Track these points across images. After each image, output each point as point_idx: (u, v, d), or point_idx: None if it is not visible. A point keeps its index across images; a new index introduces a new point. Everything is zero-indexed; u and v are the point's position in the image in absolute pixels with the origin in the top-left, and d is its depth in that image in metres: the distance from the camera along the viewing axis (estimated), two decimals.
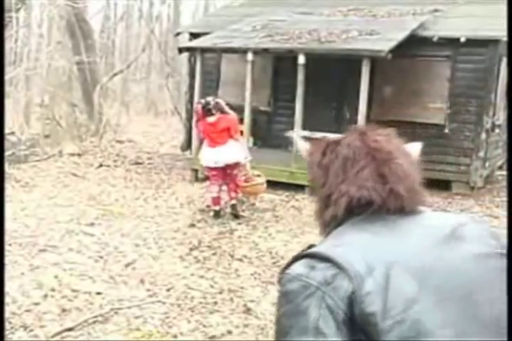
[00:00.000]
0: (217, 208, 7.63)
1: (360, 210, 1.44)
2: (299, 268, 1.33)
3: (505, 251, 1.39)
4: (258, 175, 8.04)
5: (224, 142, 7.47)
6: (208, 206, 7.90)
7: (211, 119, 7.49)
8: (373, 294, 1.25)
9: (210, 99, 7.74)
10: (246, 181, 7.85)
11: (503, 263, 1.36)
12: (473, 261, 1.36)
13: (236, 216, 7.62)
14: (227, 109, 7.65)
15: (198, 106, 7.81)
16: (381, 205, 1.43)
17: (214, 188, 7.66)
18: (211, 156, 7.59)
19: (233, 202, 7.69)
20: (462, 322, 1.26)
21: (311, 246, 1.42)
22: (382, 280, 1.26)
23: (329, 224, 1.49)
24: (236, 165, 7.60)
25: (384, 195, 1.44)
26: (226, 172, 7.63)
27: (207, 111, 7.51)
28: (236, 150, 7.51)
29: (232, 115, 7.67)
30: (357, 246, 1.35)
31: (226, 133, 7.46)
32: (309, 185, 1.67)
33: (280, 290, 1.36)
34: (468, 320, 1.26)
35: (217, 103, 7.58)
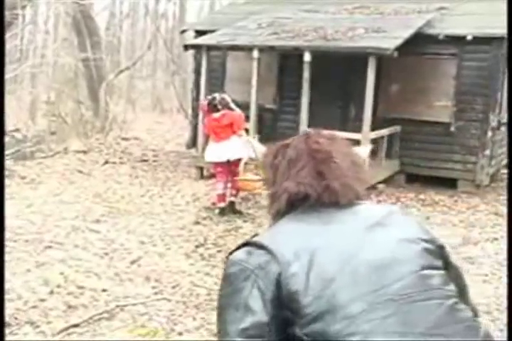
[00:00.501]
0: (222, 205, 7.65)
1: (300, 204, 1.65)
2: (240, 254, 1.56)
3: (425, 236, 1.61)
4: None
5: (227, 137, 7.54)
6: (213, 203, 7.91)
7: (216, 115, 7.58)
8: (297, 276, 1.47)
9: (216, 94, 7.86)
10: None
11: (423, 246, 1.57)
12: (395, 244, 1.56)
13: (235, 212, 7.65)
14: (232, 105, 7.73)
15: (204, 102, 7.90)
16: (317, 199, 1.64)
17: (220, 185, 7.70)
18: (214, 151, 7.67)
19: (232, 198, 7.74)
20: (372, 296, 1.45)
21: (254, 236, 1.66)
22: (306, 264, 1.48)
23: (275, 218, 1.71)
24: (238, 160, 7.60)
25: (319, 190, 1.64)
26: (231, 169, 7.66)
27: (213, 106, 7.63)
28: (239, 147, 7.53)
29: (238, 112, 7.73)
30: (290, 235, 1.58)
31: (230, 128, 7.54)
32: (264, 184, 1.85)
33: (224, 273, 1.59)
34: (377, 294, 1.46)
35: (222, 99, 7.68)
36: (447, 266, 1.63)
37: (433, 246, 1.61)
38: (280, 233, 1.61)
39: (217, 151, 7.63)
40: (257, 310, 1.48)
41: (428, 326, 1.45)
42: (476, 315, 1.61)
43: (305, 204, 1.65)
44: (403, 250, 1.56)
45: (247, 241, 1.60)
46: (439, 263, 1.59)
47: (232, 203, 7.75)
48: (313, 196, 1.64)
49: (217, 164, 7.76)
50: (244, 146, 7.50)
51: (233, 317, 1.50)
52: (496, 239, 6.82)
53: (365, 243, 1.55)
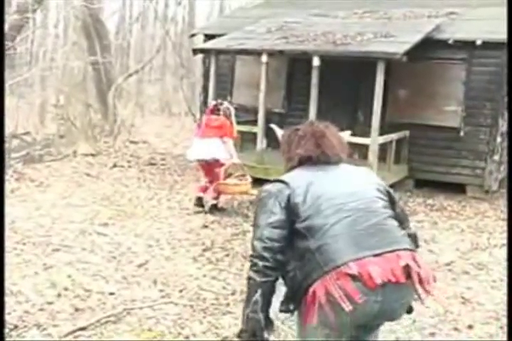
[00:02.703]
0: (199, 195, 7.97)
1: (305, 162, 2.87)
2: (268, 186, 2.81)
3: (379, 182, 2.89)
4: (242, 176, 8.06)
5: (210, 137, 7.80)
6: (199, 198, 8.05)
7: (213, 117, 7.93)
8: (299, 195, 2.68)
9: (225, 102, 8.29)
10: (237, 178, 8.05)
11: (376, 187, 2.83)
12: (359, 184, 2.83)
13: (219, 210, 7.95)
14: (233, 118, 8.06)
15: (212, 103, 8.38)
16: (316, 160, 2.86)
17: (204, 179, 8.13)
18: (192, 150, 8.04)
19: (214, 202, 7.99)
20: (339, 207, 2.66)
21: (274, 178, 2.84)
22: (304, 189, 2.69)
23: (288, 170, 2.92)
24: (216, 163, 7.83)
25: (318, 154, 2.86)
26: (210, 169, 7.94)
27: (216, 110, 7.99)
28: (218, 148, 7.80)
29: (234, 124, 8.07)
30: (297, 176, 2.80)
31: (217, 130, 7.80)
32: (282, 153, 3.03)
33: (258, 198, 2.82)
34: (343, 206, 2.66)
35: (227, 108, 8.04)
36: (392, 202, 2.87)
37: (383, 188, 2.88)
38: (292, 175, 2.83)
39: (194, 150, 7.98)
40: (278, 213, 2.68)
41: (366, 225, 2.64)
42: (415, 241, 2.89)
43: (308, 162, 2.87)
44: (364, 187, 2.81)
45: (273, 179, 2.84)
46: (385, 198, 2.83)
47: (214, 205, 8.00)
48: (314, 158, 2.86)
49: (198, 161, 8.07)
50: (223, 150, 7.82)
51: (264, 218, 2.70)
52: (504, 244, 6.79)
53: (340, 182, 2.81)
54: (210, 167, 7.95)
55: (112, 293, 4.90)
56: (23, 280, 5.08)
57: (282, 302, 2.76)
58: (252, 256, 2.69)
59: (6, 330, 4.07)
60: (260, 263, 2.62)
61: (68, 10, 15.64)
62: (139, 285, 5.15)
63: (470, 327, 4.60)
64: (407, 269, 2.56)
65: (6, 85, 10.11)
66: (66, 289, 4.90)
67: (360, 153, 9.46)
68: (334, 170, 2.84)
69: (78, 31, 15.88)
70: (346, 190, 2.73)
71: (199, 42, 12.32)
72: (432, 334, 4.45)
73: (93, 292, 4.90)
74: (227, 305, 4.79)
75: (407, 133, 9.97)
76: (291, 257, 2.65)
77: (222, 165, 7.83)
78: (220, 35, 10.64)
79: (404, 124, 10.00)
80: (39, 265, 5.49)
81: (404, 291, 2.60)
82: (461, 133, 9.81)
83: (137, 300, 4.79)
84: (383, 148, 9.31)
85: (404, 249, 2.63)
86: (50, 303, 4.62)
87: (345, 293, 2.47)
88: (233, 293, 5.04)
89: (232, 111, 8.08)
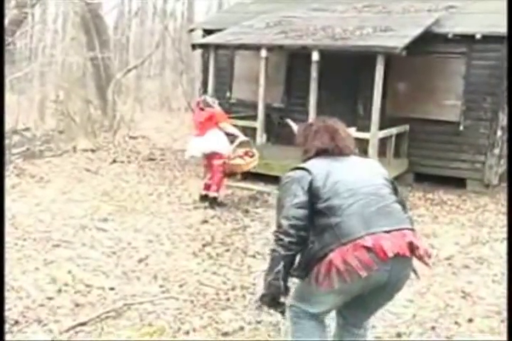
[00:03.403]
0: (203, 193, 8.07)
1: (321, 154, 3.30)
2: (289, 173, 3.22)
3: (385, 173, 3.34)
4: (246, 153, 8.22)
5: (204, 133, 7.93)
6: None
7: (201, 113, 8.06)
8: (320, 180, 3.09)
9: (203, 96, 8.54)
10: (240, 156, 8.20)
11: (383, 176, 3.28)
12: (369, 173, 3.27)
13: (219, 205, 7.95)
14: (216, 105, 8.16)
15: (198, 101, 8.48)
16: (331, 152, 3.30)
17: (208, 175, 8.23)
18: (191, 147, 8.20)
19: (215, 194, 7.99)
20: (353, 191, 3.09)
21: (295, 166, 3.26)
22: (324, 176, 3.11)
23: (305, 161, 3.32)
24: (215, 155, 7.92)
25: (332, 147, 3.30)
26: (209, 163, 8.07)
27: (200, 106, 8.14)
28: (217, 140, 7.92)
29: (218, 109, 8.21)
30: (316, 165, 3.21)
31: (208, 122, 7.90)
32: (298, 144, 3.48)
33: (281, 183, 3.22)
34: (356, 190, 3.09)
35: (204, 100, 8.15)
36: (395, 190, 3.30)
37: (387, 177, 3.33)
38: (311, 164, 3.24)
39: (193, 146, 8.14)
40: (301, 195, 3.09)
41: (377, 207, 3.08)
42: (412, 224, 3.23)
43: (324, 154, 3.30)
44: (373, 176, 3.26)
45: (295, 166, 3.26)
46: (389, 186, 3.27)
47: (214, 199, 7.99)
48: (329, 150, 3.30)
49: (202, 156, 8.20)
50: (223, 141, 7.97)
51: (289, 200, 3.10)
52: (505, 238, 6.78)
53: (353, 171, 3.24)
54: (209, 161, 8.04)
55: (112, 288, 4.90)
56: (24, 275, 5.08)
57: (295, 269, 3.16)
58: (277, 232, 3.09)
59: (7, 326, 4.08)
60: (286, 239, 3.04)
61: (67, 5, 15.61)
62: (139, 281, 5.15)
63: (470, 320, 4.61)
64: (410, 245, 3.01)
65: (6, 81, 10.09)
66: (66, 284, 4.91)
67: (360, 147, 9.41)
68: (347, 161, 3.28)
69: (77, 26, 15.86)
70: (358, 177, 3.17)
71: (198, 38, 12.28)
72: (433, 328, 4.46)
73: (93, 287, 4.90)
74: (228, 300, 4.79)
75: (406, 127, 9.96)
76: (311, 232, 3.08)
77: (221, 157, 7.90)
78: (219, 30, 10.62)
79: (404, 118, 9.99)
80: (39, 260, 5.50)
81: (407, 263, 3.07)
82: (461, 127, 9.80)
83: (137, 295, 4.79)
84: (383, 142, 9.30)
85: (408, 229, 3.10)
86: (50, 299, 4.62)
87: (361, 262, 2.91)
88: (233, 288, 5.04)
89: (214, 101, 8.15)
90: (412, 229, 3.14)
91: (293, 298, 3.26)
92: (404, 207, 3.27)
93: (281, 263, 3.06)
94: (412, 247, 3.01)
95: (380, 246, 2.92)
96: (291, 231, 3.03)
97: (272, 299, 3.16)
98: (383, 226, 3.00)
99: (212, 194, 7.99)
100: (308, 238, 3.07)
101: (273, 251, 3.11)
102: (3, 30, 10.16)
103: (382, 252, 2.91)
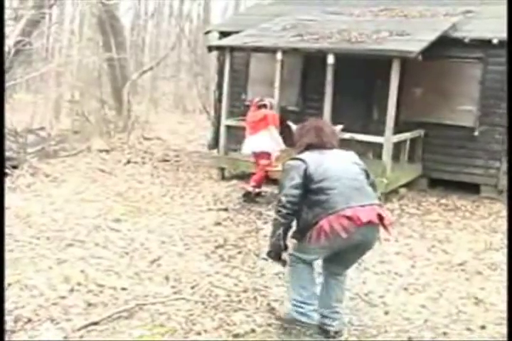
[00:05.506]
0: (250, 189, 8.45)
1: (310, 148, 4.24)
2: (290, 161, 4.19)
3: (360, 163, 4.29)
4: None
5: (256, 132, 8.41)
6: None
7: (255, 113, 8.57)
8: (312, 168, 4.05)
9: (265, 99, 8.84)
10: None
11: (359, 166, 4.25)
12: (348, 162, 4.22)
13: (251, 201, 8.36)
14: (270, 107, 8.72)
15: (254, 101, 8.88)
16: (317, 146, 4.24)
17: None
18: (245, 144, 8.67)
19: (250, 189, 8.44)
20: (337, 177, 4.06)
21: (293, 157, 4.24)
22: (316, 165, 4.07)
23: (299, 153, 4.23)
24: (263, 154, 8.43)
25: (319, 142, 4.25)
26: (257, 161, 8.52)
27: (257, 106, 8.59)
28: (265, 141, 8.38)
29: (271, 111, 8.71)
30: (308, 156, 4.16)
31: (262, 123, 8.36)
32: (295, 141, 4.41)
33: (283, 170, 4.25)
34: (340, 176, 4.07)
35: (269, 102, 8.73)
36: (368, 176, 4.24)
37: (363, 166, 4.26)
38: (305, 155, 4.14)
39: (246, 144, 8.65)
40: (297, 178, 4.02)
41: (355, 188, 4.05)
42: (380, 199, 4.37)
43: (311, 148, 4.23)
44: (351, 165, 4.20)
45: (292, 157, 4.21)
46: (364, 172, 4.21)
47: (248, 193, 8.42)
48: (316, 145, 4.23)
49: (252, 153, 8.67)
50: (269, 141, 8.39)
51: (288, 182, 4.04)
52: None
53: (337, 161, 4.17)
54: (257, 159, 8.52)
55: (124, 289, 4.92)
56: (37, 274, 5.11)
57: (293, 233, 4.21)
58: (278, 205, 4.09)
59: (21, 323, 4.12)
60: (284, 211, 4.05)
61: (84, 6, 15.71)
62: (152, 281, 5.17)
63: (483, 327, 4.58)
64: (379, 216, 4.03)
65: (22, 80, 10.16)
66: (79, 284, 4.93)
67: (374, 151, 9.44)
68: (331, 153, 4.24)
69: (94, 27, 15.96)
70: (341, 166, 4.16)
71: (214, 40, 12.31)
72: (445, 333, 4.44)
73: (106, 287, 4.92)
74: (239, 302, 4.80)
75: (421, 132, 9.93)
76: (304, 206, 4.05)
77: (269, 157, 8.43)
78: (235, 33, 10.63)
79: (418, 123, 9.95)
80: (53, 259, 5.53)
81: (376, 229, 4.08)
82: (476, 133, 9.75)
83: (149, 295, 4.81)
84: (397, 146, 9.27)
85: (377, 204, 4.13)
86: (63, 298, 4.65)
87: (342, 227, 3.90)
88: (245, 291, 5.05)
89: (271, 103, 8.69)
90: (380, 205, 4.17)
91: (293, 249, 4.23)
92: (374, 188, 4.28)
93: (281, 228, 4.10)
94: (380, 217, 4.03)
95: (357, 216, 3.91)
96: (288, 205, 4.03)
97: (276, 254, 4.22)
98: (359, 202, 3.99)
99: (249, 188, 8.44)
100: (301, 210, 4.06)
101: (275, 219, 4.15)
102: (3, 30, 10.24)
103: (358, 220, 3.91)
